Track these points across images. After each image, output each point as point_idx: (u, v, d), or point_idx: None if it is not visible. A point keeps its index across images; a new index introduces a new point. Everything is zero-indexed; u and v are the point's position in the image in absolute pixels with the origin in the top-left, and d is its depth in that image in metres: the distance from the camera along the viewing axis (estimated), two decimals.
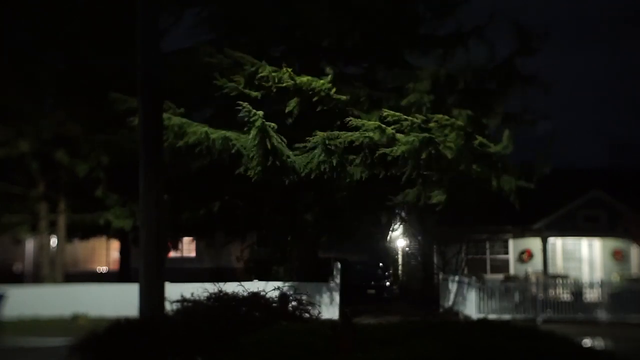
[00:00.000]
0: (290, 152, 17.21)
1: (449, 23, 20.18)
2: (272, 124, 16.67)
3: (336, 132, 17.19)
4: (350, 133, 17.06)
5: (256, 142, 16.53)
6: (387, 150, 16.79)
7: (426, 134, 16.32)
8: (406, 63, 20.48)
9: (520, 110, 18.91)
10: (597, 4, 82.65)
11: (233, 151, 17.09)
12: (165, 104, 15.15)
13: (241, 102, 16.53)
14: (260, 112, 16.39)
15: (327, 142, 16.75)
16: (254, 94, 17.34)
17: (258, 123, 16.25)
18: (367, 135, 16.88)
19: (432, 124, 16.55)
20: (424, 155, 16.52)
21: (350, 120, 17.01)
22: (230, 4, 19.98)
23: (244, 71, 17.46)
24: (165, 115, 15.29)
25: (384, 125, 16.78)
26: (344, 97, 17.32)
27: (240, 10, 19.72)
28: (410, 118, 16.58)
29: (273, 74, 17.06)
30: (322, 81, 17.06)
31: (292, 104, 17.50)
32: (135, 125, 17.14)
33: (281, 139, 17.04)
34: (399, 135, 16.90)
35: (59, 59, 22.31)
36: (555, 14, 75.37)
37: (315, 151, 17.00)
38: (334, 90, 17.14)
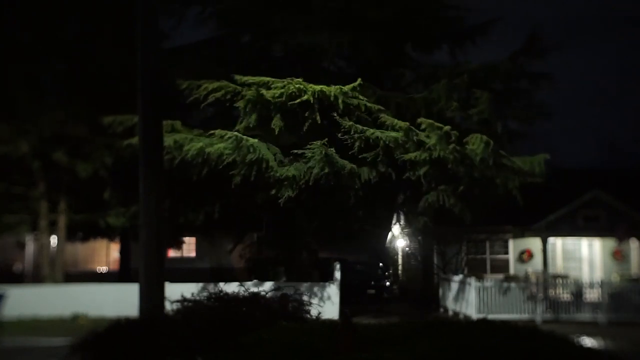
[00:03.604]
0: (275, 164, 17.19)
1: (455, 22, 20.25)
2: (255, 140, 16.76)
3: (359, 127, 17.14)
4: (371, 130, 17.05)
5: (239, 155, 16.78)
6: (412, 155, 16.80)
7: (454, 145, 16.33)
8: (412, 61, 20.54)
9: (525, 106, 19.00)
10: (595, 4, 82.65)
11: (228, 161, 17.10)
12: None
13: (213, 131, 16.84)
14: (235, 133, 16.60)
15: (325, 151, 16.72)
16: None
17: (234, 143, 16.59)
18: (390, 135, 16.85)
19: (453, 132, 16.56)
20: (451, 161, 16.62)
21: (382, 117, 16.99)
22: (231, 4, 20.00)
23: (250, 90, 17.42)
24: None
25: (413, 128, 16.80)
26: (366, 101, 17.26)
27: (240, 11, 19.74)
28: (444, 127, 16.55)
29: (282, 90, 16.97)
30: (336, 87, 17.02)
31: (307, 113, 17.41)
32: (131, 144, 17.29)
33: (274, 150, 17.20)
34: (423, 138, 16.86)
35: (60, 58, 22.29)
36: (553, 13, 75.36)
37: (311, 163, 16.94)
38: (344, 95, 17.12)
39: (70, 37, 21.85)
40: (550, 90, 19.40)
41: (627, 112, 71.35)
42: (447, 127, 16.51)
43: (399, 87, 18.89)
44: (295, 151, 17.31)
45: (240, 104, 17.32)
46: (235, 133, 16.75)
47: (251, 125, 17.35)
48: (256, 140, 17.03)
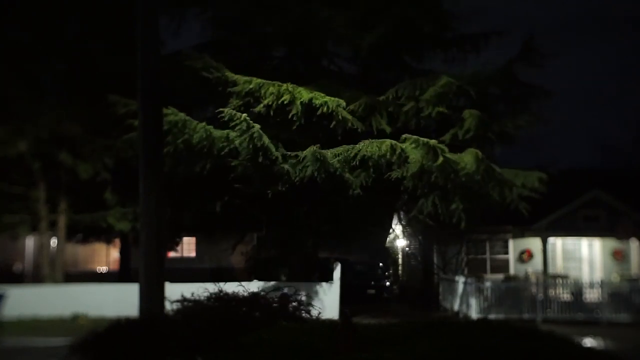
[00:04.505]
0: (278, 153, 17.11)
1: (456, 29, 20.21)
2: (258, 125, 16.67)
3: (345, 147, 17.13)
4: (356, 146, 17.01)
5: (245, 140, 16.60)
6: (399, 172, 16.77)
7: (442, 158, 16.26)
8: (409, 66, 20.50)
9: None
10: (595, 4, 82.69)
11: (231, 148, 16.99)
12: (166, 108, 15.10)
13: (222, 109, 16.61)
14: (244, 115, 16.46)
15: (317, 154, 16.66)
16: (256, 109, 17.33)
17: (243, 125, 16.37)
18: (374, 151, 16.81)
19: (441, 146, 16.47)
20: (435, 175, 16.53)
21: (362, 142, 16.92)
22: (229, 5, 19.99)
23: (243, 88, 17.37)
24: (166, 110, 15.31)
25: (394, 142, 16.72)
26: (349, 118, 17.22)
27: (239, 12, 19.72)
28: (422, 139, 16.50)
29: (272, 89, 16.90)
30: (327, 99, 16.95)
31: (296, 117, 17.34)
32: (135, 126, 17.21)
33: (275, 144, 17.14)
34: (407, 148, 16.80)
35: (60, 58, 22.30)
36: (553, 14, 75.41)
37: (305, 160, 16.92)
38: (337, 107, 17.04)
39: (70, 37, 21.84)
40: (549, 96, 19.19)
41: (628, 112, 71.43)
42: (433, 141, 16.37)
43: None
44: (289, 153, 17.28)
45: (238, 88, 17.24)
46: (245, 115, 16.59)
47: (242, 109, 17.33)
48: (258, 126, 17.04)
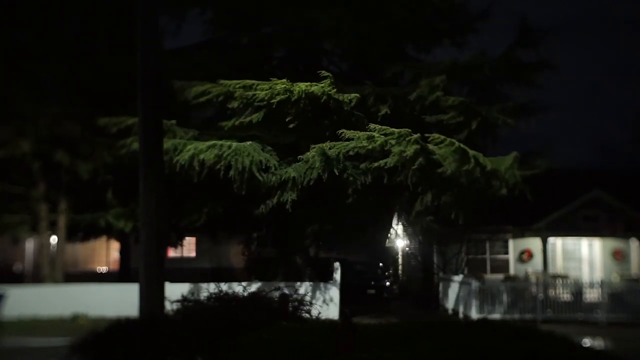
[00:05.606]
0: (276, 163, 17.10)
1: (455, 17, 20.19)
2: (249, 143, 16.65)
3: (333, 143, 17.12)
4: (346, 143, 16.96)
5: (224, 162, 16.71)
6: (382, 162, 16.73)
7: (417, 146, 16.20)
8: (409, 56, 20.46)
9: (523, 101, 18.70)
10: (591, 4, 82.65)
11: (223, 166, 17.00)
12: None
13: (211, 140, 16.62)
14: (229, 142, 16.53)
15: (325, 151, 16.63)
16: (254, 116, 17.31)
17: (227, 151, 16.52)
18: (361, 145, 16.75)
19: (416, 137, 16.39)
20: (417, 164, 16.43)
21: (343, 132, 16.84)
22: (229, 6, 19.98)
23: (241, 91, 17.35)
24: None
25: (375, 134, 16.68)
26: (349, 97, 17.15)
27: (239, 13, 19.71)
28: (397, 131, 16.49)
29: (269, 89, 16.84)
30: (321, 85, 16.91)
31: (292, 111, 17.29)
32: (128, 144, 17.26)
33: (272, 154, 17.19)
34: (391, 141, 16.76)
35: (60, 58, 22.29)
36: (553, 13, 75.36)
37: (314, 160, 16.87)
38: (334, 91, 16.98)
39: (70, 37, 21.84)
40: (550, 90, 19.13)
41: (628, 112, 71.47)
42: (405, 130, 16.30)
43: (399, 85, 18.74)
44: (300, 157, 17.26)
45: (234, 103, 17.25)
46: (214, 141, 16.68)
47: (245, 124, 17.24)
48: (248, 142, 16.97)
